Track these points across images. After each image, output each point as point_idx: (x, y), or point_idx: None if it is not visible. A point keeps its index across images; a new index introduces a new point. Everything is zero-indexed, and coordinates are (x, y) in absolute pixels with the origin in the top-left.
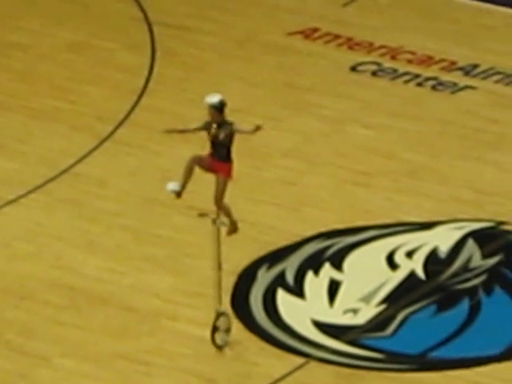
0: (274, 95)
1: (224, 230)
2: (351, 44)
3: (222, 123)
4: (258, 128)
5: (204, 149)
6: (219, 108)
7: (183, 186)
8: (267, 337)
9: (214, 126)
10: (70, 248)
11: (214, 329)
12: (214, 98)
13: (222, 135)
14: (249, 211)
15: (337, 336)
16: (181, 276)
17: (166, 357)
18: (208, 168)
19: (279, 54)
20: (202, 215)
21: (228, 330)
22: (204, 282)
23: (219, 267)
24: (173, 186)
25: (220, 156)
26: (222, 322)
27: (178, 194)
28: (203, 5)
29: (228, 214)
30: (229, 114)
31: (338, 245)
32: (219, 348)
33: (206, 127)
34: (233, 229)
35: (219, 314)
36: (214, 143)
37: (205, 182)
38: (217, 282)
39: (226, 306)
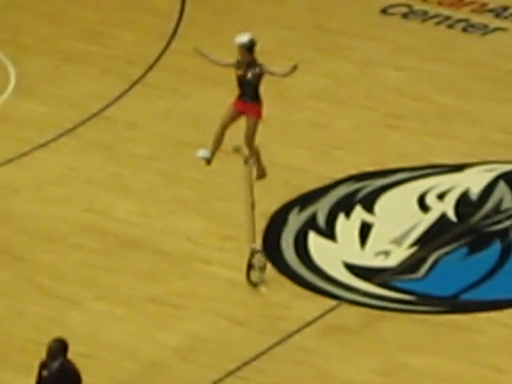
0: (304, 37)
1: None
2: None
3: (251, 63)
4: (293, 69)
5: (234, 92)
6: (249, 47)
7: (213, 153)
8: (298, 279)
9: (243, 66)
10: (101, 192)
11: (249, 266)
12: (244, 38)
13: (249, 75)
14: (279, 154)
15: (368, 278)
16: (212, 219)
17: (197, 300)
18: (238, 113)
19: None
20: (236, 150)
21: (263, 268)
22: (235, 225)
23: (252, 206)
24: (203, 153)
25: (249, 96)
26: (256, 260)
27: (208, 161)
28: None
29: (257, 158)
30: (259, 56)
31: (369, 187)
32: (254, 285)
33: (236, 65)
34: (261, 174)
35: (254, 252)
36: (242, 83)
37: (237, 125)
38: (250, 220)
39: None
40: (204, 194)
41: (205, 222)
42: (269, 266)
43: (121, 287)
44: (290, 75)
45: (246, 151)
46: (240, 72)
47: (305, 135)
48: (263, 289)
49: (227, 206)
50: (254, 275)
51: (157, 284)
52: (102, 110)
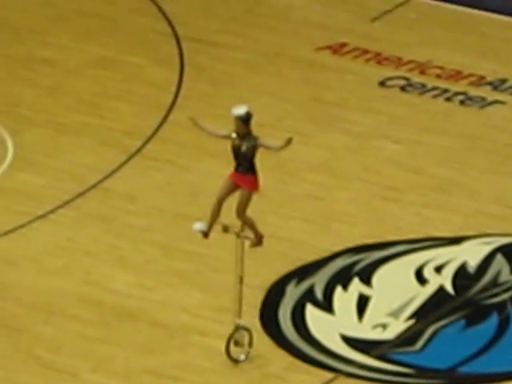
0: (302, 110)
1: (247, 243)
2: (380, 59)
3: (246, 135)
4: (288, 143)
5: (232, 164)
6: (245, 119)
7: (210, 226)
8: (296, 352)
9: (238, 137)
10: (99, 263)
11: (231, 341)
12: (241, 110)
13: (244, 147)
14: (277, 226)
15: (366, 351)
16: (209, 291)
17: (194, 372)
18: (234, 185)
19: (307, 68)
20: (225, 229)
21: (249, 345)
22: (232, 297)
23: (241, 280)
24: (199, 226)
25: (244, 168)
26: (240, 336)
27: (206, 235)
28: (231, 20)
29: (252, 227)
30: (257, 129)
31: (366, 260)
32: (236, 361)
33: (230, 137)
34: (257, 241)
35: (238, 328)
36: (237, 154)
37: (234, 197)
38: (237, 295)
39: (256, 321)
40: (201, 266)
41: (202, 293)
42: (266, 338)
43: (117, 359)
44: (284, 149)
45: (234, 227)
46: (235, 144)
47: (303, 207)
48: (242, 356)
49: (224, 278)
50: (239, 351)
51: (154, 356)
52: (100, 181)
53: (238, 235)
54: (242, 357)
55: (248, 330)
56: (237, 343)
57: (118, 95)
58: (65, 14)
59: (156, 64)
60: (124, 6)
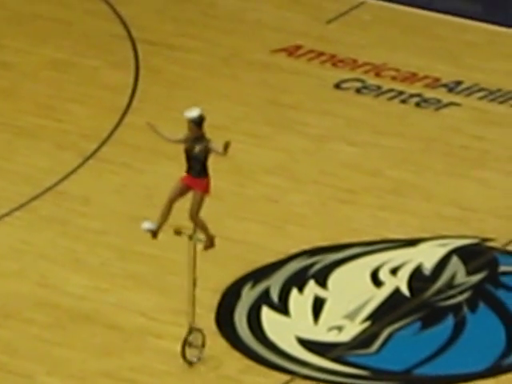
0: (258, 112)
1: (200, 246)
2: (335, 61)
3: (199, 138)
4: (226, 146)
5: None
6: (198, 122)
7: (159, 226)
8: (252, 354)
9: (191, 139)
10: (55, 266)
11: (186, 344)
12: (193, 113)
13: (196, 149)
14: (233, 229)
15: (322, 353)
16: (165, 294)
17: (150, 375)
18: (185, 187)
19: (263, 71)
20: (177, 232)
21: (202, 346)
22: (186, 299)
23: (194, 283)
24: (148, 225)
25: (195, 171)
26: (194, 338)
27: (154, 234)
28: (187, 22)
29: (204, 229)
30: (213, 131)
31: (322, 262)
32: (190, 364)
33: (184, 141)
34: (209, 244)
35: (192, 330)
36: (189, 157)
37: (188, 200)
38: (191, 298)
39: (211, 323)
40: (157, 269)
41: (158, 296)
42: (221, 340)
43: (73, 362)
44: (226, 153)
45: (188, 230)
46: (187, 146)
47: (258, 210)
48: (212, 369)
49: (180, 281)
50: (191, 353)
51: (110, 359)
52: (56, 184)
53: (190, 237)
54: (195, 359)
55: (201, 331)
56: (190, 345)
57: (73, 98)
58: (20, 17)
59: (111, 67)
60: (79, 8)
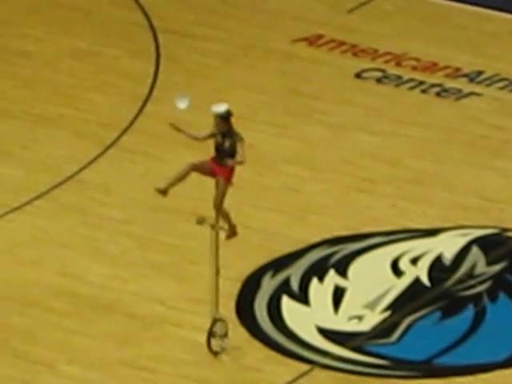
0: (277, 102)
1: (223, 235)
2: (356, 51)
3: (228, 132)
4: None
5: (207, 155)
6: (225, 117)
7: (170, 186)
8: (272, 344)
9: (220, 135)
10: (75, 255)
11: (210, 334)
12: (221, 108)
13: (227, 144)
14: (253, 218)
15: (341, 343)
16: (185, 283)
17: (169, 364)
18: (208, 172)
19: (283, 60)
20: (200, 221)
21: (225, 336)
22: (209, 288)
23: (217, 272)
24: (181, 103)
25: (222, 160)
26: (218, 328)
27: (164, 193)
28: (207, 11)
29: (227, 218)
30: (233, 121)
31: (342, 251)
32: (215, 354)
33: (211, 136)
34: (232, 233)
35: (216, 320)
36: (219, 151)
37: (209, 189)
38: (214, 287)
39: (231, 313)
40: (177, 258)
41: (178, 285)
42: (241, 329)
43: (93, 351)
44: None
45: (210, 219)
46: (218, 141)
47: (279, 199)
48: (232, 358)
49: (200, 270)
50: (216, 344)
51: (129, 347)
52: (76, 173)
53: (213, 227)
54: (218, 348)
55: (224, 321)
56: (214, 335)
57: (93, 87)
58: (41, 5)
59: (132, 56)
60: None
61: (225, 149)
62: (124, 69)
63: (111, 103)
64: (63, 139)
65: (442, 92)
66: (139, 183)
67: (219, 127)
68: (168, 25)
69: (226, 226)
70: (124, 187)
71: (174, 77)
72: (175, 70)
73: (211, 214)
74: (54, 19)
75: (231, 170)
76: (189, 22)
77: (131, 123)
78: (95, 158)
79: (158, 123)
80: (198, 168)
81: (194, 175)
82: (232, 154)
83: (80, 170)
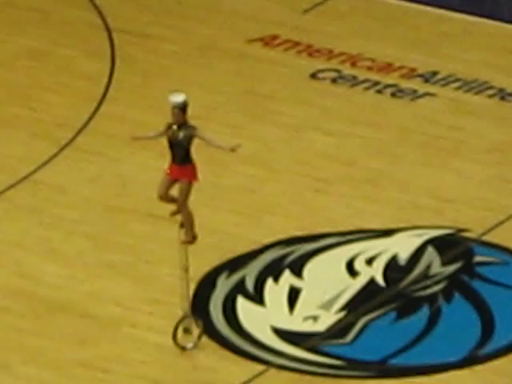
0: (233, 102)
1: (181, 238)
2: (311, 51)
3: (183, 124)
4: (235, 148)
5: (163, 156)
6: (182, 108)
7: (191, 231)
8: (227, 344)
9: (174, 127)
10: (30, 255)
11: (178, 329)
12: (179, 97)
13: (180, 135)
14: (208, 218)
15: (297, 343)
16: (141, 283)
17: (125, 364)
18: (172, 180)
19: (239, 61)
20: (174, 214)
21: (200, 334)
22: (164, 289)
23: (186, 270)
24: (177, 97)
25: (179, 158)
26: (188, 324)
27: (194, 239)
28: (163, 12)
29: (189, 223)
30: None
31: (297, 252)
32: (182, 348)
33: (168, 128)
34: (190, 239)
35: (185, 317)
36: (172, 144)
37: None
38: (184, 284)
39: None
40: (132, 258)
41: (133, 285)
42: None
43: (49, 351)
44: (231, 151)
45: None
46: (172, 134)
47: (234, 199)
48: (187, 359)
49: (156, 270)
50: (186, 339)
51: (85, 348)
52: (31, 173)
53: (181, 225)
54: (190, 345)
55: (198, 319)
56: (186, 331)
57: (49, 87)
58: None
59: (87, 56)
60: None
61: (178, 141)
62: (79, 69)
63: (67, 103)
64: (18, 139)
65: (398, 92)
66: (94, 183)
67: (176, 118)
68: (123, 25)
69: (189, 232)
70: (79, 187)
71: (130, 77)
72: (131, 71)
73: (168, 214)
74: (9, 19)
75: (193, 167)
76: (144, 23)
77: (86, 123)
78: (50, 159)
79: (114, 123)
80: (166, 190)
81: (152, 175)
82: (186, 147)
83: (35, 171)
